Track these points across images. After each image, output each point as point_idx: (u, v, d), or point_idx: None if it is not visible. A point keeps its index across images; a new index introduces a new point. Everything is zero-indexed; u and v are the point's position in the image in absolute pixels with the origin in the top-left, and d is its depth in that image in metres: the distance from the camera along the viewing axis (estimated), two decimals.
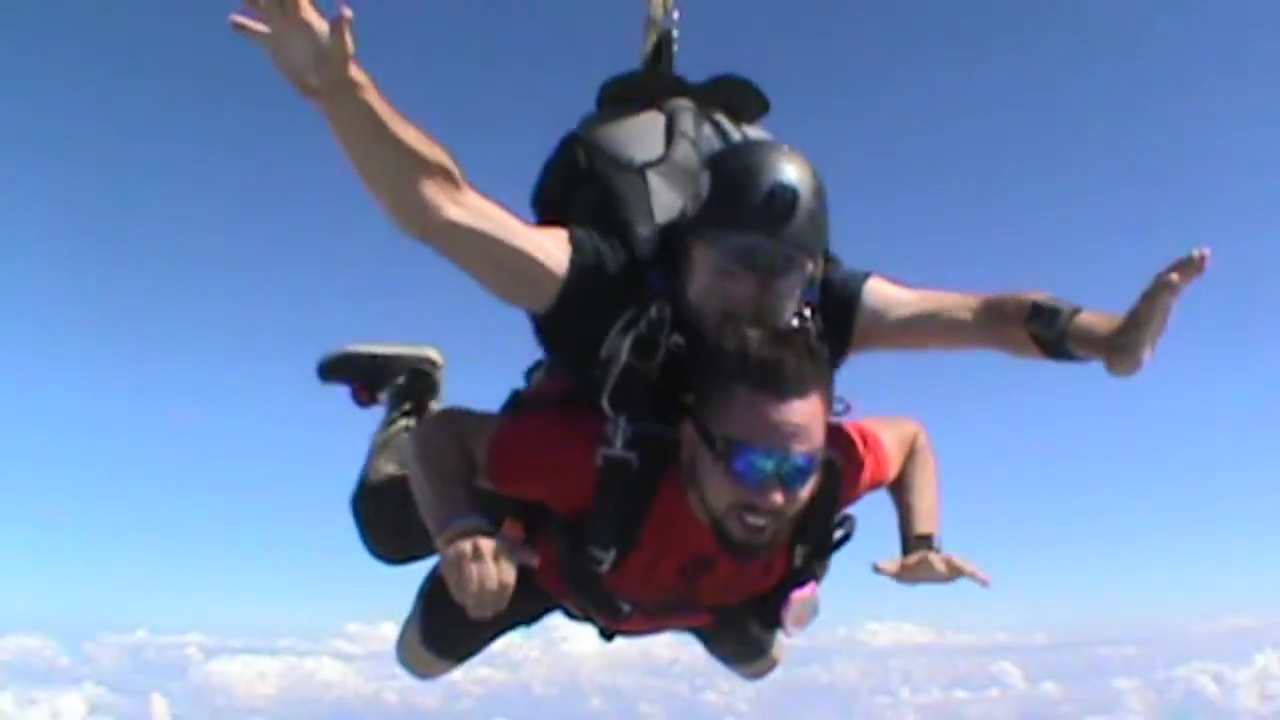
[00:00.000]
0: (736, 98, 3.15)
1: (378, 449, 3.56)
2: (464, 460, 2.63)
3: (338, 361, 3.88)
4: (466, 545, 2.33)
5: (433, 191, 2.26)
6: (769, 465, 2.37)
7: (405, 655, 3.48)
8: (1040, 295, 2.54)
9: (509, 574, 2.34)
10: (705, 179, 2.58)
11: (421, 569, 3.35)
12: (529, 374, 3.17)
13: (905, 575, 2.83)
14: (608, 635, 3.15)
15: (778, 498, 2.40)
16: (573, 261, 2.54)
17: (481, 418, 2.82)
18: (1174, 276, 2.22)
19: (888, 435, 2.93)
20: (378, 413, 3.84)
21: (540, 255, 2.50)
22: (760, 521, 2.42)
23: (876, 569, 2.83)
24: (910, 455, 3.03)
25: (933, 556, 2.81)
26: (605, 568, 2.64)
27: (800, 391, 2.37)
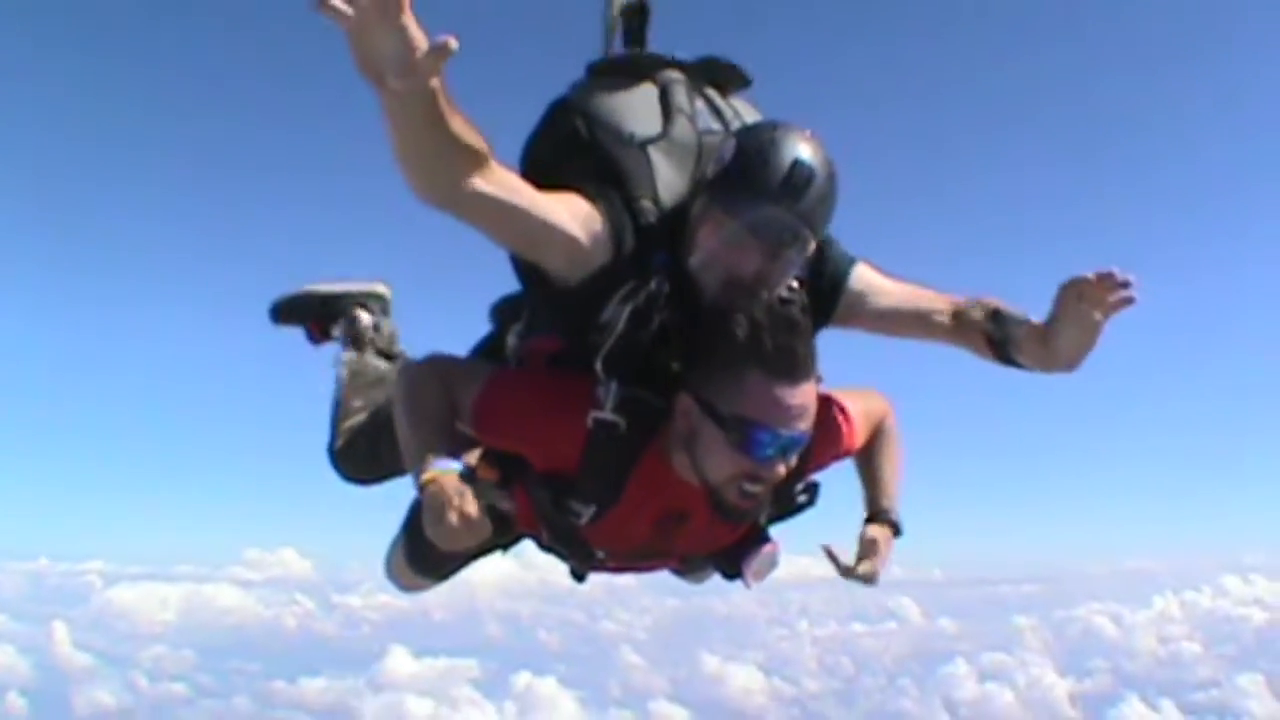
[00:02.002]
0: (723, 70, 3.19)
1: (346, 384, 3.74)
2: (447, 408, 2.77)
3: (289, 304, 3.99)
4: (449, 492, 2.49)
5: (464, 169, 2.32)
6: (777, 443, 2.52)
7: (392, 571, 3.65)
8: (1002, 304, 2.83)
9: (485, 527, 2.50)
10: (729, 147, 2.68)
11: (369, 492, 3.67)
12: (493, 312, 3.28)
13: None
14: (579, 576, 3.27)
15: (780, 470, 2.58)
16: (605, 235, 2.65)
17: (469, 368, 2.97)
18: (1086, 285, 2.50)
19: (856, 407, 3.07)
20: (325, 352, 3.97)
21: (569, 227, 2.59)
22: (757, 489, 2.60)
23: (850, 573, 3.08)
24: (879, 433, 3.22)
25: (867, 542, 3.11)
26: (584, 521, 2.78)
27: (807, 375, 2.54)
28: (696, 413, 2.58)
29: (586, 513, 2.77)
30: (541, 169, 2.84)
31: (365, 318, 3.95)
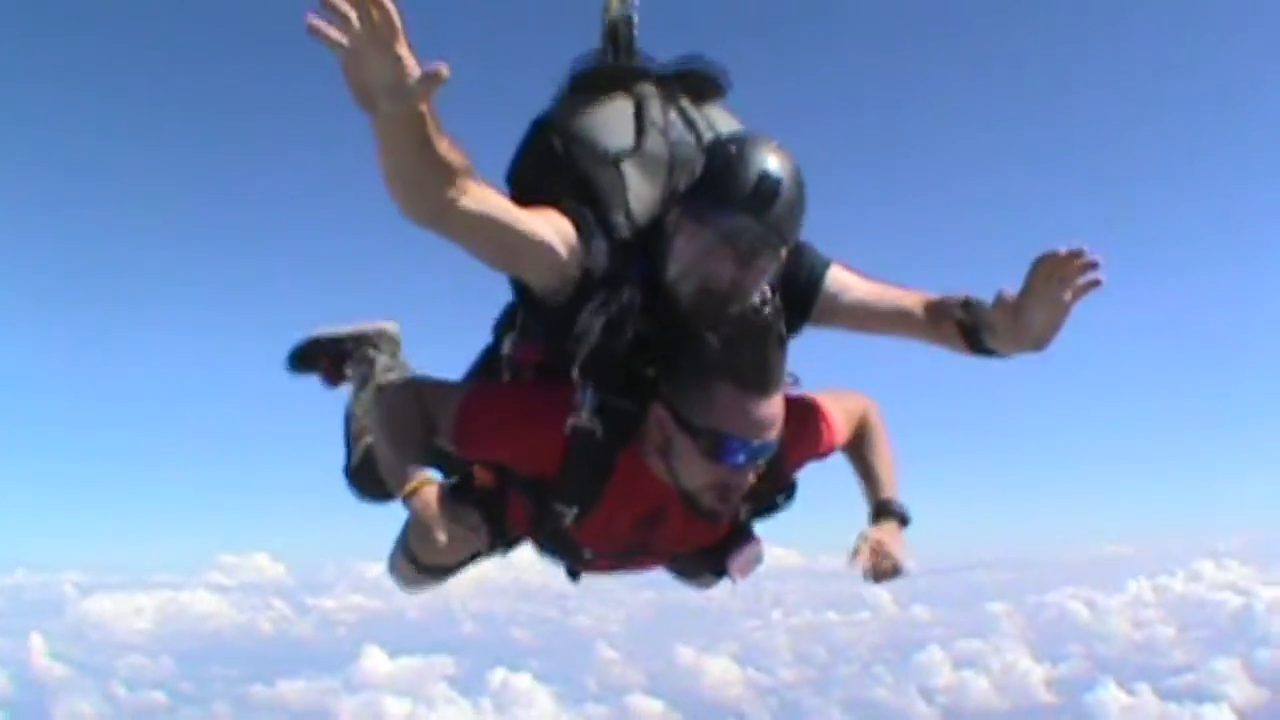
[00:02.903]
0: (699, 80, 3.25)
1: (358, 410, 3.87)
2: (425, 427, 2.89)
3: (304, 351, 4.11)
4: (433, 508, 2.67)
5: (448, 189, 2.39)
6: (747, 452, 2.66)
7: (395, 571, 3.69)
8: (972, 295, 2.92)
9: (468, 544, 2.73)
10: (700, 162, 2.79)
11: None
12: (496, 327, 3.33)
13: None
14: (574, 576, 3.40)
15: (751, 476, 2.75)
16: (580, 249, 2.73)
17: (444, 388, 3.07)
18: (1058, 260, 2.59)
19: (833, 407, 3.16)
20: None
21: (548, 242, 2.68)
22: (731, 494, 2.76)
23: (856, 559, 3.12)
24: (865, 429, 3.30)
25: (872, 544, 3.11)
26: (568, 522, 2.91)
27: (776, 387, 2.67)
28: (670, 423, 2.71)
29: (570, 515, 2.89)
30: (524, 186, 2.95)
31: (376, 355, 4.07)
